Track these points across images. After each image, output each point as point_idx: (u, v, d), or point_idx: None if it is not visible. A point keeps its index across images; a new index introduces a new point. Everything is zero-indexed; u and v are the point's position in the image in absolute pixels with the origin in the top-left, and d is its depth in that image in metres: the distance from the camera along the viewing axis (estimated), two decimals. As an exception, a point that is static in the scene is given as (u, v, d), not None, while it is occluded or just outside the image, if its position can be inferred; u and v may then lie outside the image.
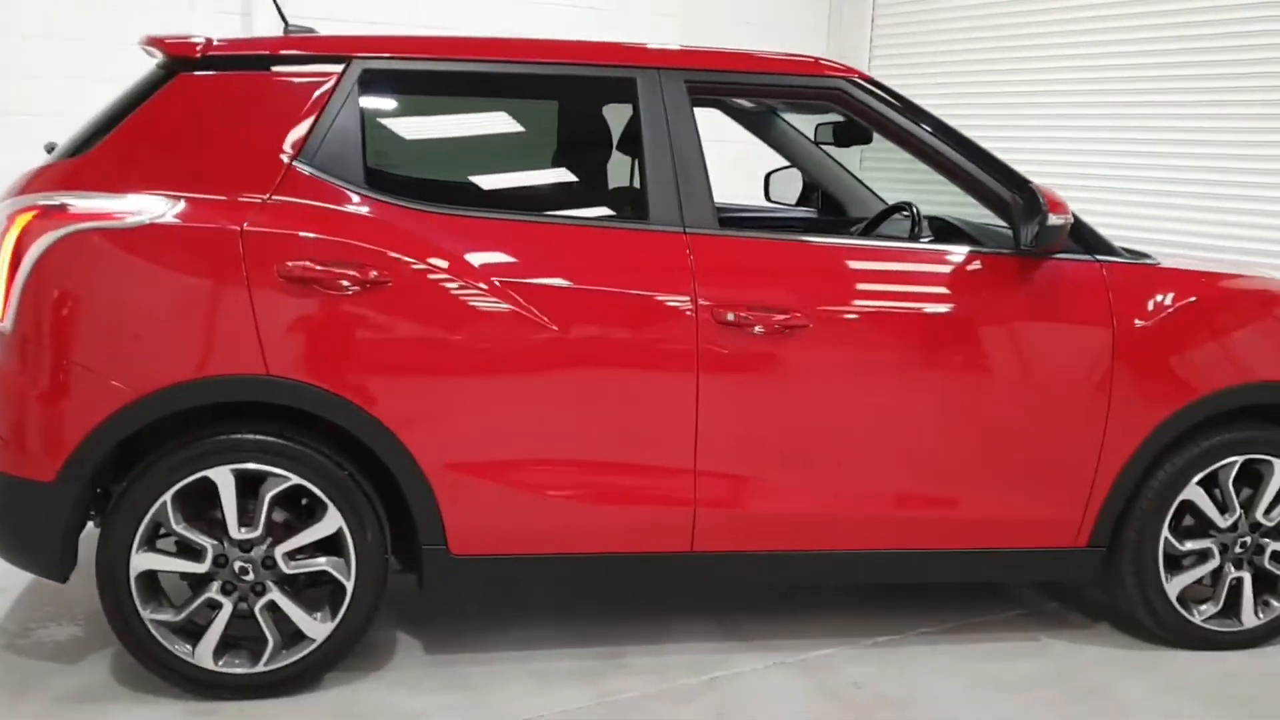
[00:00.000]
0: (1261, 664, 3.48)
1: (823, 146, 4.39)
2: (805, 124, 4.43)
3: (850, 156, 4.99)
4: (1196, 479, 3.39)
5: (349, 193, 2.96)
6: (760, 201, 4.64)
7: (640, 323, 3.05)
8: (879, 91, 3.30)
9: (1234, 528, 3.46)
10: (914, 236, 3.54)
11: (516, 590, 3.75)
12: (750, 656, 3.40)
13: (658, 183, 3.10)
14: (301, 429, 2.96)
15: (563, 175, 3.77)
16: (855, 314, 3.17)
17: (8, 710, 2.94)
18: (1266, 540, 3.49)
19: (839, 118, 3.97)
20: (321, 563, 3.00)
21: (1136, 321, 3.28)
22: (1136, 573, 3.43)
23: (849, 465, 3.21)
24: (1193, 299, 3.35)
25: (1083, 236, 3.32)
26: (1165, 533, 3.41)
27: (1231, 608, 3.52)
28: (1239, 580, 3.49)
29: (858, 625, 3.63)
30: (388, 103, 3.31)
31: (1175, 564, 3.47)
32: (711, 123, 3.56)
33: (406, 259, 2.92)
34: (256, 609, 2.97)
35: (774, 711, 3.10)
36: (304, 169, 2.95)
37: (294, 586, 3.02)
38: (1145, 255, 3.46)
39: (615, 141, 3.66)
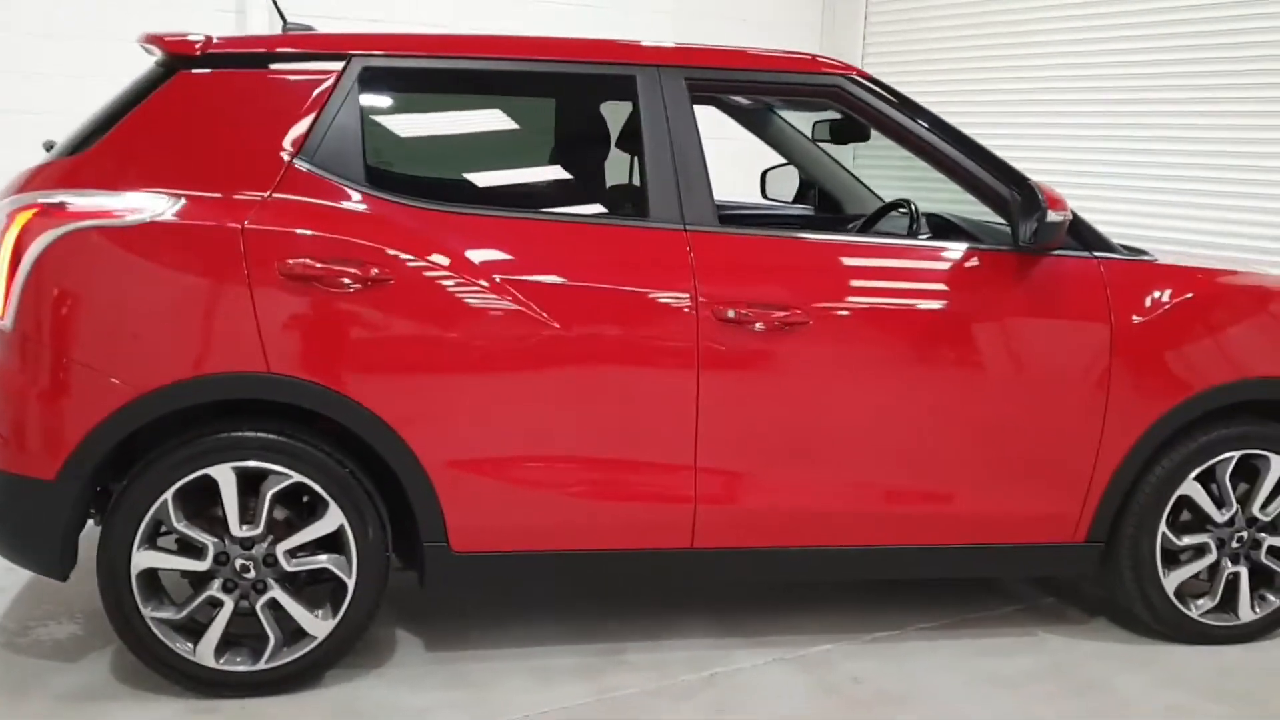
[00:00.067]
0: (1258, 658, 3.50)
1: (819, 144, 4.40)
2: (803, 122, 4.43)
3: (843, 154, 5.00)
4: (1194, 474, 3.41)
5: (349, 190, 2.96)
6: (758, 199, 4.64)
7: (641, 320, 3.05)
8: (877, 88, 3.31)
9: (1231, 523, 3.48)
10: (912, 233, 3.55)
11: (517, 587, 3.75)
12: (750, 652, 3.41)
13: (658, 180, 3.11)
14: (302, 427, 2.96)
15: (563, 173, 3.77)
16: (855, 311, 3.18)
17: (8, 709, 2.93)
18: (1263, 535, 3.51)
19: (837, 115, 3.98)
20: (322, 560, 3.00)
21: (1134, 318, 3.29)
22: (1134, 568, 3.44)
23: (849, 461, 3.21)
24: (1190, 295, 3.37)
25: (1080, 233, 3.33)
26: (1163, 528, 3.42)
27: (1228, 602, 3.54)
28: (1236, 575, 3.51)
29: (857, 621, 3.64)
30: (388, 100, 3.31)
31: (1172, 559, 3.48)
32: (710, 120, 3.56)
33: (407, 257, 2.92)
34: (258, 607, 2.97)
35: (774, 707, 3.11)
36: (304, 167, 2.95)
37: (295, 584, 3.03)
38: (1142, 252, 3.47)
39: (614, 139, 3.66)
